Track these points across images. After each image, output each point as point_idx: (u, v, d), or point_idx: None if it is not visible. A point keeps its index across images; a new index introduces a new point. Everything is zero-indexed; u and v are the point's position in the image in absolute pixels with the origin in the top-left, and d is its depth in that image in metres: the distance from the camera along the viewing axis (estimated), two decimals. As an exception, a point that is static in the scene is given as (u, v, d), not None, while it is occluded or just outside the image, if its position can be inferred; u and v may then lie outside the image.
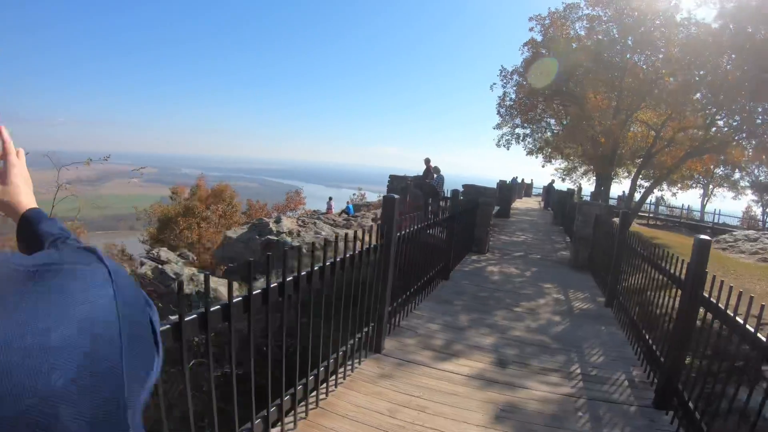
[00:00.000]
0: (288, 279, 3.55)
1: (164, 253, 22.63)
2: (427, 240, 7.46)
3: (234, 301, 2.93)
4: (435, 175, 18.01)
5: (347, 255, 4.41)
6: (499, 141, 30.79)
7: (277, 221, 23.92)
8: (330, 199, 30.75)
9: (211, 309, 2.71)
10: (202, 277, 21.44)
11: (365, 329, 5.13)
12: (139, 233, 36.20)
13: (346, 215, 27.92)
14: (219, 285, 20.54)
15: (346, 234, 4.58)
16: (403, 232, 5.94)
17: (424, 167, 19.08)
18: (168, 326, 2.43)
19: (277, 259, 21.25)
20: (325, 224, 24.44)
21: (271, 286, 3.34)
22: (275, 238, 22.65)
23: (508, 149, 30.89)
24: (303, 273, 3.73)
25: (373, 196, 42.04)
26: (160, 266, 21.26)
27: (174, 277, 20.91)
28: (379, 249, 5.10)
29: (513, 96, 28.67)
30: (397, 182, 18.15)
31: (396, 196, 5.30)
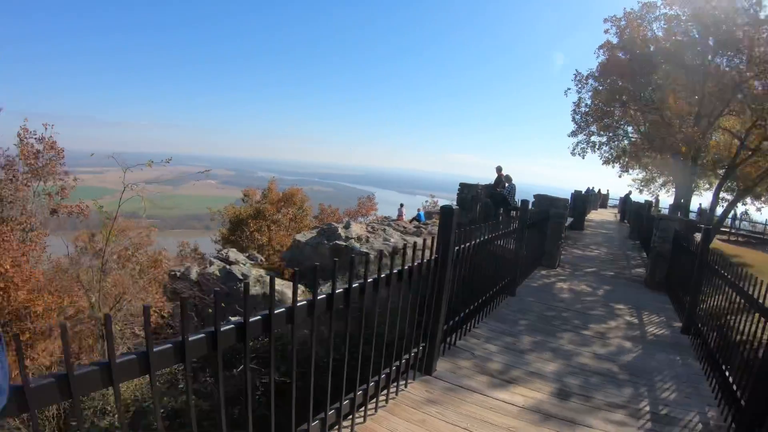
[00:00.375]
0: (343, 288, 3.49)
1: (233, 254, 23.00)
2: (492, 253, 7.07)
3: (298, 304, 3.01)
4: (506, 184, 17.58)
5: (395, 270, 4.11)
6: (574, 149, 29.91)
7: (347, 227, 23.92)
8: (401, 205, 30.42)
9: (276, 311, 2.80)
10: (268, 279, 21.46)
11: (415, 349, 4.83)
12: (212, 233, 37.05)
13: (416, 222, 27.64)
14: (285, 288, 20.65)
15: (404, 246, 4.34)
16: (463, 246, 5.55)
17: (496, 176, 18.67)
18: (232, 326, 2.46)
19: (344, 265, 21.24)
20: (394, 231, 24.24)
21: (336, 292, 3.35)
22: (344, 243, 22.64)
23: (583, 158, 29.92)
24: (355, 284, 3.57)
25: (445, 204, 41.57)
26: (227, 266, 21.61)
27: (241, 277, 21.19)
28: (435, 264, 4.76)
29: (588, 102, 27.86)
30: (467, 191, 17.80)
31: (454, 207, 4.96)
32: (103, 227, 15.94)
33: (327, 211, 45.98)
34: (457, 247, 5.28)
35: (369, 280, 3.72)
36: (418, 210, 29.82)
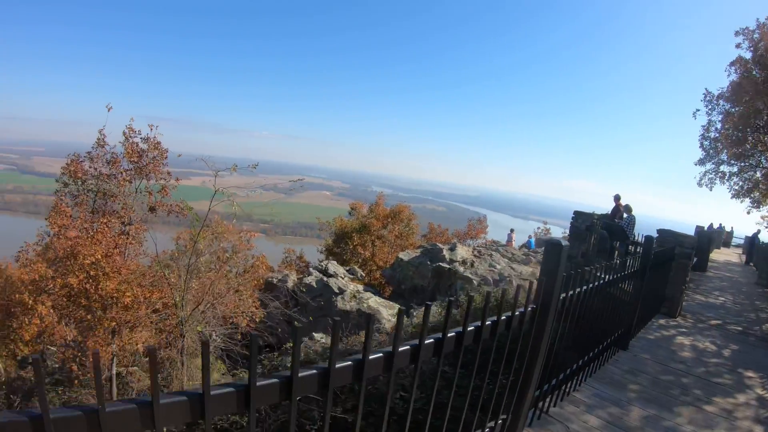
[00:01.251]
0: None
1: (332, 266, 22.89)
2: (606, 298, 5.97)
3: (425, 342, 2.65)
4: (625, 215, 16.39)
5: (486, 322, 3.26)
6: (701, 179, 27.35)
7: (452, 249, 23.21)
8: (511, 231, 29.27)
9: (400, 349, 2.50)
10: (366, 295, 21.51)
11: (491, 423, 3.92)
12: (320, 243, 37.38)
13: (526, 249, 26.52)
14: (381, 306, 20.20)
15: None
16: (571, 293, 4.52)
17: (613, 205, 17.42)
18: (349, 363, 2.26)
19: (447, 288, 20.56)
20: (502, 257, 23.29)
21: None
22: (447, 266, 21.95)
23: (711, 190, 27.21)
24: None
25: (558, 231, 39.88)
26: (324, 279, 21.45)
27: (337, 291, 20.95)
28: (531, 314, 3.82)
29: (718, 126, 25.33)
30: (581, 219, 16.66)
31: (564, 244, 3.99)
32: (192, 227, 16.57)
33: (436, 230, 45.42)
34: (563, 294, 4.32)
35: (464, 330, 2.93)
36: (529, 237, 28.54)
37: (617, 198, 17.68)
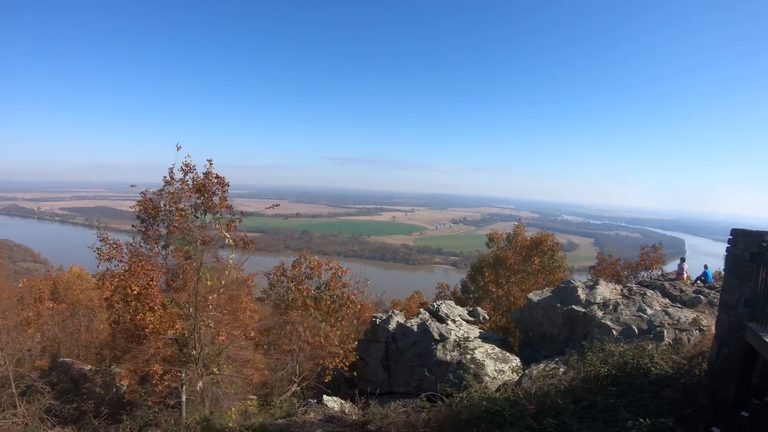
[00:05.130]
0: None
1: (445, 307, 19.54)
2: None
3: None
4: None
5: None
6: None
7: (592, 288, 18.93)
8: (682, 260, 23.60)
9: None
10: (475, 344, 17.82)
11: None
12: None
13: (700, 283, 21.26)
14: (489, 358, 16.64)
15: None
16: None
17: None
18: None
19: (582, 338, 16.46)
20: (660, 298, 18.61)
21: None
22: (582, 309, 17.69)
23: None
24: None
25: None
26: (429, 322, 18.31)
27: (438, 338, 17.70)
28: None
29: None
30: (744, 244, 10.91)
31: None
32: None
33: (606, 260, 40.27)
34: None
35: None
36: (705, 267, 22.75)
37: None
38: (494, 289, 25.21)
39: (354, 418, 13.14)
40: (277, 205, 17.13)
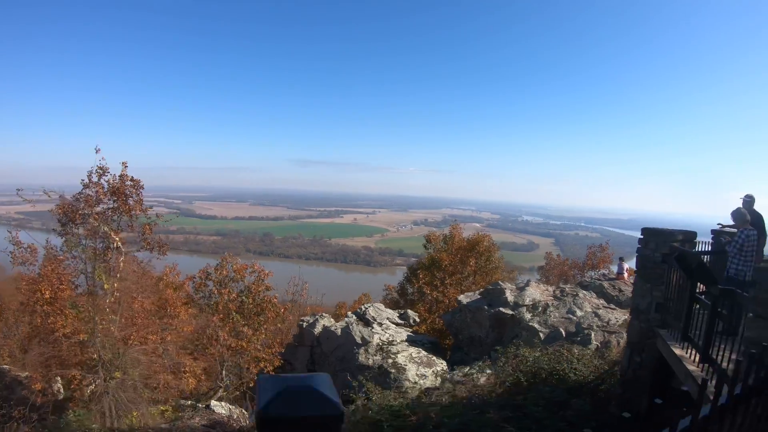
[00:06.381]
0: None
1: (373, 310, 18.93)
2: None
3: None
4: (741, 229, 9.10)
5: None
6: None
7: (522, 289, 18.57)
8: (621, 260, 23.13)
9: None
10: (399, 348, 17.28)
11: None
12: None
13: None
14: (412, 362, 16.13)
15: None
16: None
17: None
18: None
19: (511, 341, 16.00)
20: (594, 298, 18.33)
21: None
22: (510, 312, 17.31)
23: None
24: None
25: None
26: (350, 326, 17.77)
27: (360, 342, 17.14)
28: None
29: None
30: (654, 244, 10.03)
31: None
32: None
33: (555, 260, 40.46)
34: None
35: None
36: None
37: (747, 201, 10.77)
38: (428, 292, 24.71)
39: (242, 424, 13.02)
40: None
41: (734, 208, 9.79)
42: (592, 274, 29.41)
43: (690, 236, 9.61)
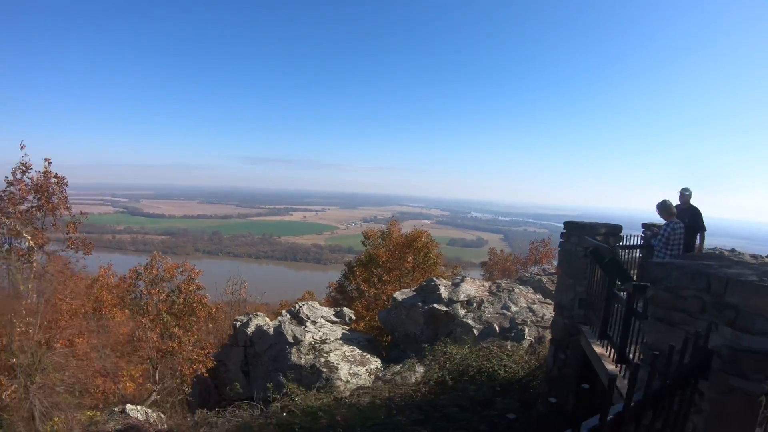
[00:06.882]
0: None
1: (307, 308, 18.45)
2: None
3: None
4: (673, 221, 9.64)
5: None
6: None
7: (456, 285, 18.38)
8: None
9: None
10: (332, 347, 16.80)
11: None
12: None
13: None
14: (345, 361, 15.78)
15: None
16: None
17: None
18: None
19: (446, 337, 15.78)
20: (531, 293, 18.27)
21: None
22: (444, 308, 17.09)
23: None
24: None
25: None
26: (282, 325, 17.32)
27: (291, 341, 16.69)
28: None
29: None
30: (576, 238, 9.87)
31: None
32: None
33: (498, 256, 40.39)
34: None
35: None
36: None
37: (684, 195, 11.03)
38: (366, 289, 24.36)
39: (158, 428, 12.65)
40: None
41: (659, 201, 9.81)
42: (535, 269, 29.59)
43: (614, 230, 9.49)
